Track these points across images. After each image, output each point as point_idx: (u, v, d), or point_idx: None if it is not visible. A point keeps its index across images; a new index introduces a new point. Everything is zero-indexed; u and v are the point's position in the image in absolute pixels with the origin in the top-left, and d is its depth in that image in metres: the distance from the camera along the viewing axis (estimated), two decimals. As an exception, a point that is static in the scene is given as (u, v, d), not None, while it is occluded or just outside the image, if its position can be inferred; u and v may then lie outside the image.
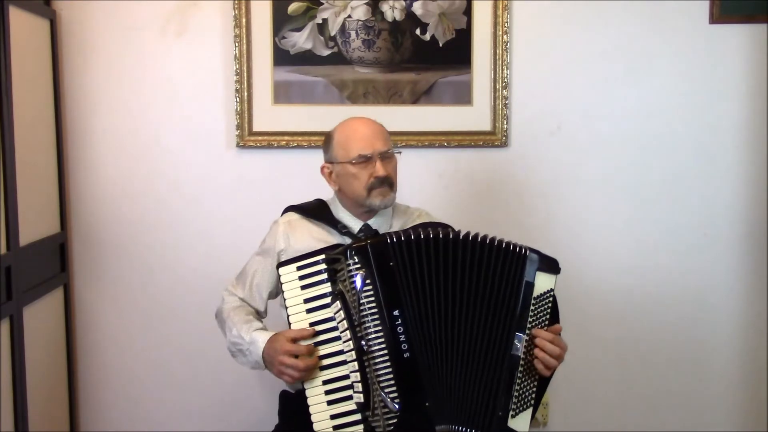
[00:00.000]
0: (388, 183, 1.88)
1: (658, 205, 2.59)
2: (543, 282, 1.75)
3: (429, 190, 2.54)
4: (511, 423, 1.71)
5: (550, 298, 1.76)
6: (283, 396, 2.01)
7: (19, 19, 2.15)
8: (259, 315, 1.99)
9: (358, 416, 1.69)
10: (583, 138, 2.57)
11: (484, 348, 1.71)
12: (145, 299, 2.55)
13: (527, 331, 1.72)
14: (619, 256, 2.61)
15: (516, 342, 1.71)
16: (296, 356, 1.72)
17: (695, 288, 2.62)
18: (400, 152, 1.93)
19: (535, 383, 1.75)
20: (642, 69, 2.55)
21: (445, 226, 1.87)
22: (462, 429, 1.70)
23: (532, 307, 1.73)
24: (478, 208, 2.57)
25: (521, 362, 1.72)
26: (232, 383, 2.56)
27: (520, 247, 1.75)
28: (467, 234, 1.74)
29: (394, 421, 1.66)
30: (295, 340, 1.73)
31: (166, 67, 2.49)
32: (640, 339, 2.63)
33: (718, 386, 2.65)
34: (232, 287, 2.03)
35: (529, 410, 1.74)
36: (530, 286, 1.73)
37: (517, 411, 1.72)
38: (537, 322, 1.74)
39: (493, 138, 2.54)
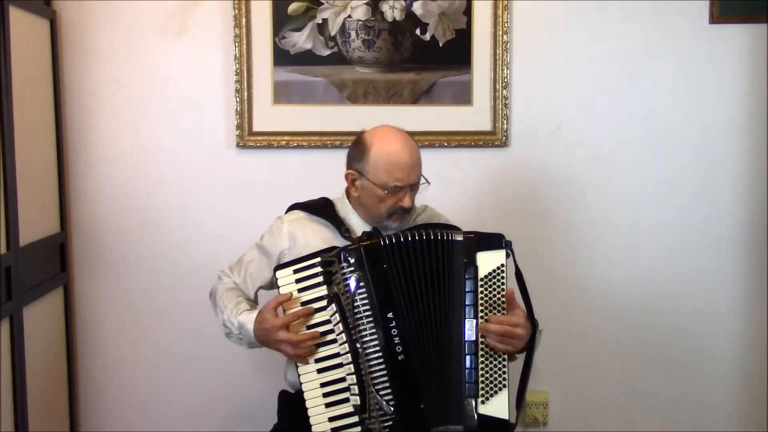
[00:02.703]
0: (408, 211, 1.88)
1: (657, 205, 2.59)
2: (488, 261, 1.74)
3: (429, 190, 2.52)
4: (484, 409, 1.70)
5: (502, 275, 1.74)
6: (283, 396, 2.02)
7: (19, 19, 2.15)
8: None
9: (355, 418, 1.70)
10: (583, 138, 2.56)
11: (450, 340, 1.72)
12: (145, 299, 2.55)
13: (480, 313, 1.72)
14: (619, 256, 2.60)
15: (467, 328, 1.71)
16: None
17: (695, 288, 2.61)
18: (429, 183, 1.92)
19: (504, 363, 1.73)
20: (642, 69, 2.55)
21: (446, 225, 1.88)
22: (454, 427, 1.70)
23: (480, 288, 1.73)
24: (478, 208, 2.57)
25: (480, 346, 1.71)
26: (232, 383, 2.56)
27: (452, 234, 1.76)
28: (445, 232, 1.76)
29: (390, 423, 1.67)
30: (276, 310, 1.75)
31: (166, 67, 2.49)
32: (640, 339, 2.63)
33: (718, 386, 2.65)
34: (229, 270, 2.03)
35: (503, 392, 1.71)
36: (472, 268, 1.73)
37: (487, 396, 1.70)
38: (491, 302, 1.73)
39: (493, 138, 2.54)
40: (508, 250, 1.75)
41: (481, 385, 1.70)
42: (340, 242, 1.87)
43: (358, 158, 1.88)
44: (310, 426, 1.72)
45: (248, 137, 2.50)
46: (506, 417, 1.70)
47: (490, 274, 1.74)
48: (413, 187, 1.87)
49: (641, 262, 2.61)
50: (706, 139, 2.57)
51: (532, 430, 2.66)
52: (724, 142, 2.57)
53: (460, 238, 1.76)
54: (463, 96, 2.53)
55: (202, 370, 2.56)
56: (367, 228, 1.92)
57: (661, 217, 2.59)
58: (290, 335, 1.72)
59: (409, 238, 1.74)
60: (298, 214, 1.99)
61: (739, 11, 2.52)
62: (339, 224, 1.92)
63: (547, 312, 2.58)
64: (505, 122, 2.53)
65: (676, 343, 2.63)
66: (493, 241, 1.75)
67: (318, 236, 1.92)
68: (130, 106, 2.50)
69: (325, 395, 1.72)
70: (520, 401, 1.77)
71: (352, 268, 1.71)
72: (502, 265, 1.74)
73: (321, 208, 1.98)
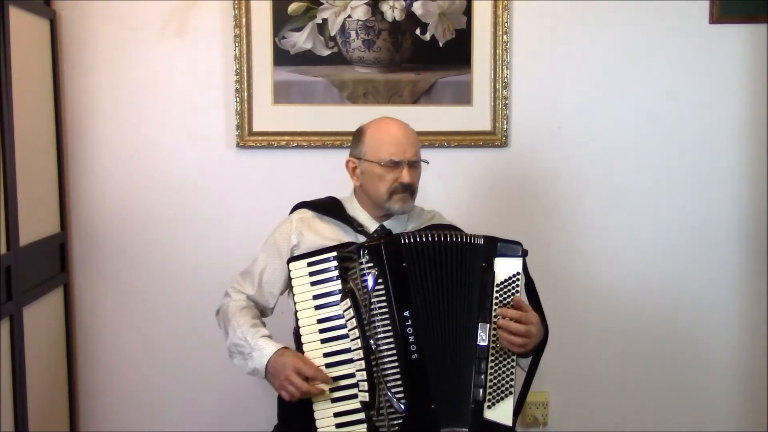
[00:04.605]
0: (410, 190, 1.88)
1: (657, 205, 2.59)
2: (506, 267, 1.74)
3: (429, 190, 2.53)
4: (489, 414, 1.71)
5: (517, 282, 1.75)
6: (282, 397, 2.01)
7: (19, 19, 2.15)
8: (264, 314, 1.98)
9: (361, 415, 1.69)
10: (583, 138, 2.57)
11: (463, 343, 1.72)
12: (145, 299, 2.55)
13: (493, 319, 1.72)
14: (619, 256, 2.60)
15: (480, 332, 1.72)
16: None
17: (695, 288, 2.62)
18: (428, 162, 1.93)
19: (512, 370, 1.74)
20: (642, 69, 2.55)
21: (455, 228, 1.88)
22: (460, 429, 1.70)
23: (495, 294, 1.73)
24: (478, 208, 2.57)
25: (491, 351, 1.72)
26: (232, 384, 2.55)
27: (473, 237, 1.76)
28: (469, 235, 1.76)
29: (399, 421, 1.67)
30: (301, 360, 1.73)
31: (166, 67, 2.49)
32: (640, 339, 2.63)
33: (718, 386, 2.65)
34: (239, 285, 1.99)
35: (509, 399, 1.72)
36: (489, 273, 1.74)
37: (494, 401, 1.71)
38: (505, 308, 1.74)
39: (493, 138, 2.54)
40: (524, 259, 1.76)
41: (488, 390, 1.71)
42: (350, 239, 1.87)
43: (356, 144, 1.93)
44: (310, 426, 1.72)
45: (248, 137, 2.50)
46: (509, 424, 1.72)
47: (506, 280, 1.75)
48: (412, 166, 1.87)
49: (641, 262, 2.61)
50: (706, 138, 2.58)
51: (532, 430, 2.66)
52: (724, 141, 2.58)
53: (480, 241, 1.76)
54: (463, 96, 2.53)
55: (202, 370, 2.56)
56: (375, 224, 1.93)
57: (661, 217, 2.59)
58: (303, 383, 1.69)
59: (430, 238, 1.73)
60: (306, 212, 1.98)
61: (739, 11, 2.52)
62: (351, 221, 1.92)
63: (547, 312, 2.58)
64: (505, 122, 2.53)
65: (676, 343, 2.63)
66: (512, 248, 1.76)
67: (326, 234, 1.92)
68: (130, 106, 2.50)
69: (332, 390, 1.71)
70: (519, 407, 1.78)
71: (371, 264, 1.70)
72: (518, 273, 1.75)
73: (330, 207, 1.98)
